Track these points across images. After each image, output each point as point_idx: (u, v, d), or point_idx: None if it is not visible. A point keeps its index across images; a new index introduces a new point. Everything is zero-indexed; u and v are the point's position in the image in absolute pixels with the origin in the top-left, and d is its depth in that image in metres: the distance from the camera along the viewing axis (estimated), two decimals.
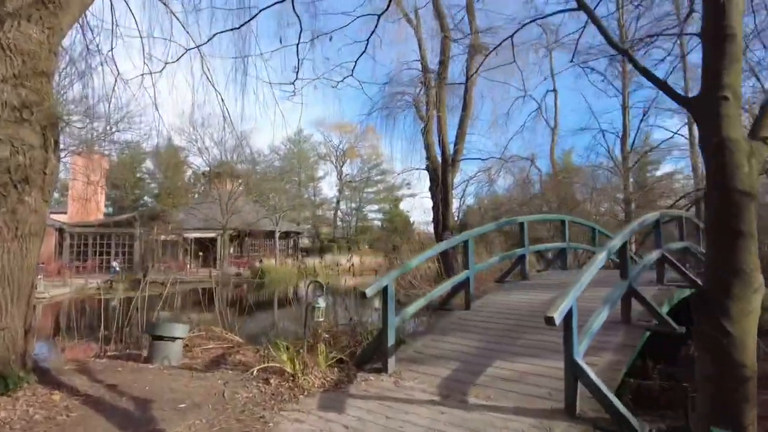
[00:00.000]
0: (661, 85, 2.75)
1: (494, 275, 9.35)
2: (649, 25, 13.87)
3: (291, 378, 4.99)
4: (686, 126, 19.83)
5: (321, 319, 5.34)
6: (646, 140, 23.15)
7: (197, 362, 5.79)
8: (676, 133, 21.01)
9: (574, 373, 3.89)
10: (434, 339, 5.94)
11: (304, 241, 45.16)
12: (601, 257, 4.67)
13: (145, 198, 44.45)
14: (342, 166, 51.56)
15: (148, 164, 43.94)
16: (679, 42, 12.38)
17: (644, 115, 19.76)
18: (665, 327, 5.15)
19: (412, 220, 47.41)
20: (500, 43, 7.54)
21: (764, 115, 2.53)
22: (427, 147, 17.76)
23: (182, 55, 7.47)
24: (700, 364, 2.25)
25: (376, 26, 8.08)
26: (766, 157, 2.41)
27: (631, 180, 21.42)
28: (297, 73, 7.86)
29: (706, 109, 2.48)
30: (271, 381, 4.97)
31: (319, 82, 8.97)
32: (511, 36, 7.17)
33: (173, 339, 5.63)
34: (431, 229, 29.19)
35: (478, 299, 7.07)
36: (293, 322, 10.14)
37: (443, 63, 17.36)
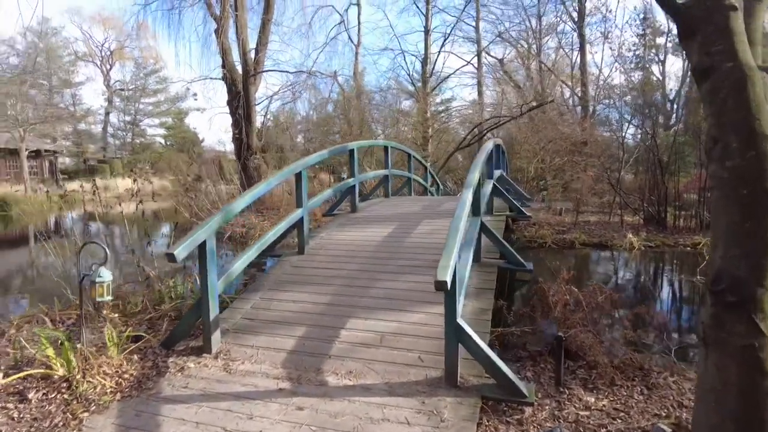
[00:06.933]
0: None
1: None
2: None
3: (65, 385, 3.34)
4: (476, 56, 21.27)
5: (107, 299, 3.62)
6: (443, 65, 24.24)
7: None
8: (468, 62, 22.34)
9: (457, 338, 3.29)
10: (266, 297, 4.80)
11: (65, 162, 36.87)
12: (468, 196, 4.08)
13: None
14: (110, 71, 42.56)
15: None
16: None
17: (445, 39, 20.38)
18: (515, 264, 5.04)
19: (201, 137, 42.53)
20: None
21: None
22: (224, 53, 15.08)
23: None
24: (715, 371, 1.65)
25: None
26: None
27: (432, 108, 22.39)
28: None
29: (706, 23, 1.78)
30: (31, 396, 3.25)
31: None
32: None
33: None
34: (227, 148, 26.55)
35: (310, 239, 6.08)
36: (54, 272, 7.74)
37: None
